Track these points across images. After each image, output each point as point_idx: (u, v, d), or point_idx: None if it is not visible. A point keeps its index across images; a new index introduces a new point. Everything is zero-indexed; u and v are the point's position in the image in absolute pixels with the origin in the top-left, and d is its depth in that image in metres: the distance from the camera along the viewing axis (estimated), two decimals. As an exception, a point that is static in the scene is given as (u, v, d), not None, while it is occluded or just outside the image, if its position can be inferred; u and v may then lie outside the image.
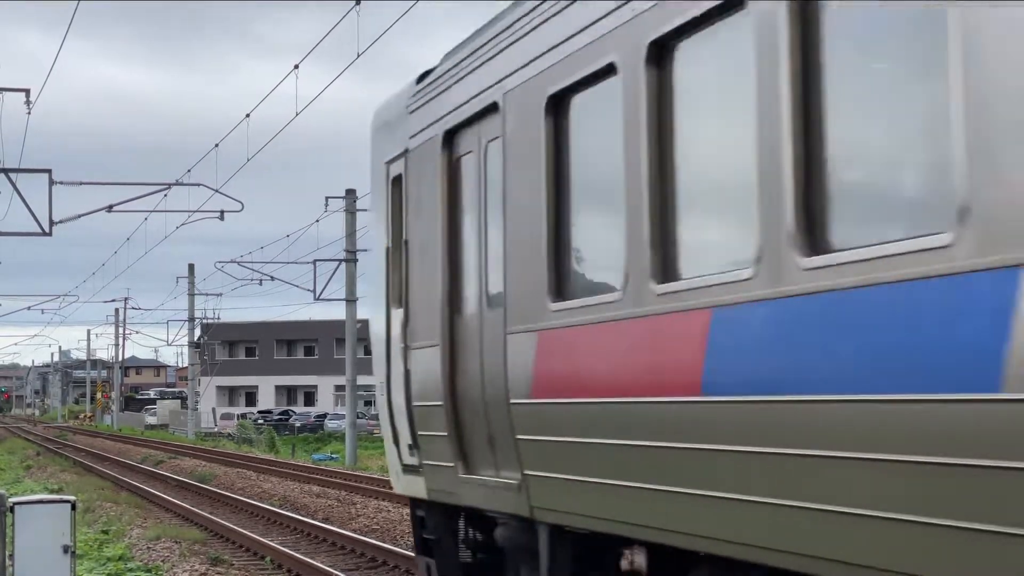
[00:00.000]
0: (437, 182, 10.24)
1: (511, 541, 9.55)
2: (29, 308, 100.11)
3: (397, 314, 11.21)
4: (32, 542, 12.49)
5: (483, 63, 9.49)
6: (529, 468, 8.69)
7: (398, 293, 11.23)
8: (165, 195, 38.96)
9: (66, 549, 12.60)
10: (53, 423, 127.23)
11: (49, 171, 35.50)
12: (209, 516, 26.32)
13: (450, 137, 10.06)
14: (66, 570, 12.61)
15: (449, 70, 10.19)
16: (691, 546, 6.90)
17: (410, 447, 10.97)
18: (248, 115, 30.32)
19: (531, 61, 8.62)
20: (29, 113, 34.61)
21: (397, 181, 11.26)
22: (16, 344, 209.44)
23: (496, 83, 9.17)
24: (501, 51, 9.13)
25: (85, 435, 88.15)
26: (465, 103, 9.73)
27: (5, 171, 35.70)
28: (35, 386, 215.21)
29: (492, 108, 9.22)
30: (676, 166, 7.00)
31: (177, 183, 38.35)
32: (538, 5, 8.55)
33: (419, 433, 10.71)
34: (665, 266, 7.01)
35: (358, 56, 20.94)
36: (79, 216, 38.85)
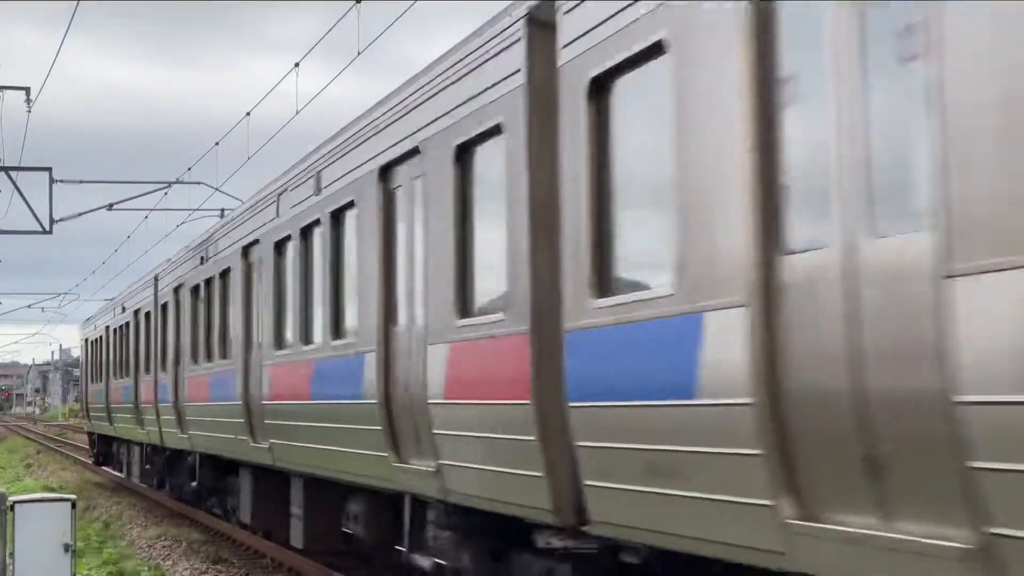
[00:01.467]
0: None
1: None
2: (29, 306, 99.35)
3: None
4: (32, 541, 12.49)
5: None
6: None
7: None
8: (165, 193, 38.89)
9: (66, 548, 12.60)
10: (53, 422, 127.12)
11: (49, 169, 35.45)
12: (210, 514, 26.28)
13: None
14: (66, 569, 12.59)
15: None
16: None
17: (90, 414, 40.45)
18: (248, 113, 30.21)
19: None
20: (29, 111, 34.57)
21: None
22: (16, 342, 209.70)
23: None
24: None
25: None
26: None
27: (5, 169, 35.65)
28: (35, 384, 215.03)
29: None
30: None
31: (178, 181, 38.30)
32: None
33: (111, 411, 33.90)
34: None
35: (359, 54, 20.88)
36: (79, 214, 38.81)
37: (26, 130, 37.61)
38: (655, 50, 7.23)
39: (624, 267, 7.74)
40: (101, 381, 36.37)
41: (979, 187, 4.81)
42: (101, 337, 36.81)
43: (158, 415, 25.40)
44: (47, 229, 35.70)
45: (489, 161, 9.55)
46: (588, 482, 7.95)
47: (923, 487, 5.22)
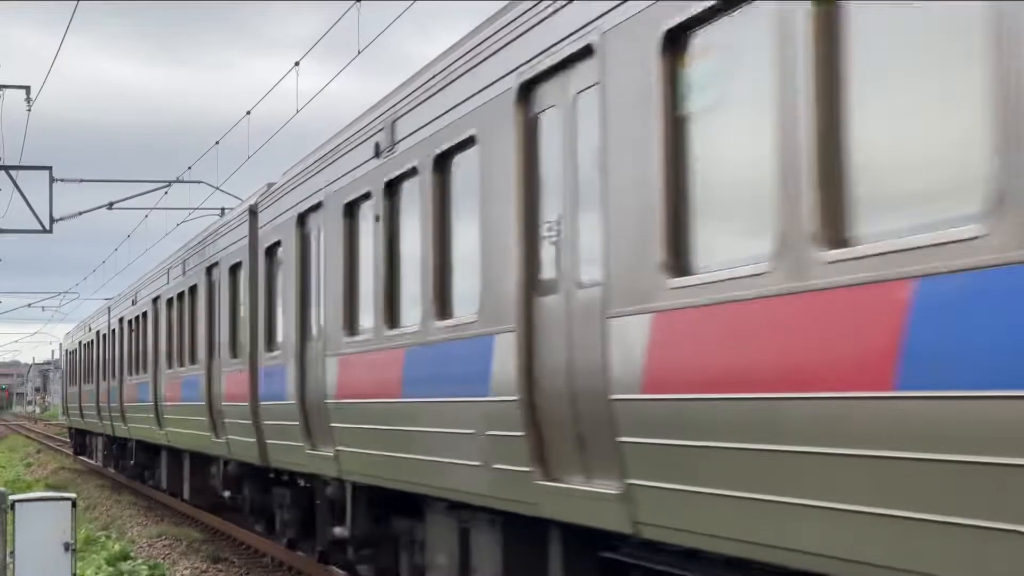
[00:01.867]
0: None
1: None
2: (30, 305, 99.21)
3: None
4: (33, 539, 12.48)
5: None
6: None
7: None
8: (166, 192, 38.89)
9: (67, 547, 12.59)
10: (53, 420, 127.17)
11: (50, 168, 35.45)
12: (210, 514, 26.29)
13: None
14: (67, 568, 12.60)
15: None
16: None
17: (69, 411, 49.98)
18: (249, 112, 30.21)
19: None
20: (29, 110, 34.58)
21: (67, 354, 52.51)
22: (16, 341, 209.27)
23: None
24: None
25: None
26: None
27: (6, 168, 35.66)
28: (35, 383, 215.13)
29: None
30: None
31: (178, 180, 38.30)
32: None
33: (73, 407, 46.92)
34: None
35: (358, 53, 20.90)
36: (80, 213, 38.81)
37: (26, 129, 37.57)
38: (278, 244, 15.92)
39: (274, 338, 16.30)
40: (75, 385, 46.75)
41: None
42: (76, 349, 46.94)
43: (110, 412, 35.18)
44: (47, 228, 35.71)
45: (240, 280, 18.32)
46: (267, 441, 16.39)
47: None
